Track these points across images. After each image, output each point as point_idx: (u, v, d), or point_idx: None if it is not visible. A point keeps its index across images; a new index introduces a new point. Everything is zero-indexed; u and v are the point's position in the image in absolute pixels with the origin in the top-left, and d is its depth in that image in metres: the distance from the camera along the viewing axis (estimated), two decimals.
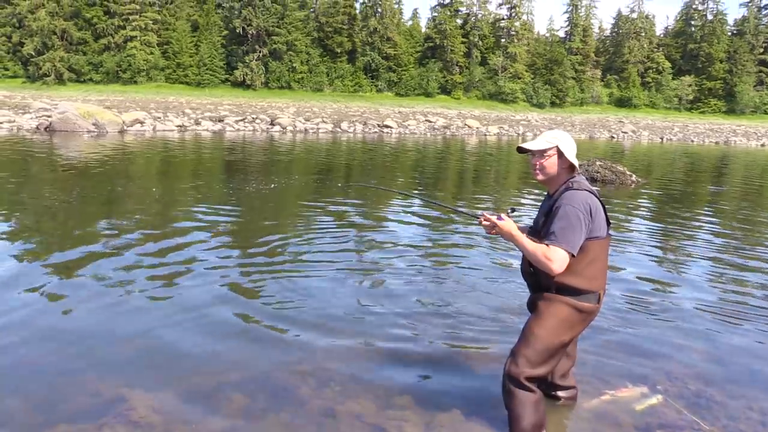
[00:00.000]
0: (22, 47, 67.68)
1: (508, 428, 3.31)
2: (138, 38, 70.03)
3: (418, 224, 9.63)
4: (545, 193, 3.46)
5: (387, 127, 37.09)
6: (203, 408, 3.61)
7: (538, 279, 3.28)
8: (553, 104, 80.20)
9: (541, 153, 3.26)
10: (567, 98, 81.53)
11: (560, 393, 3.71)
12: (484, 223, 3.25)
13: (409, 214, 10.37)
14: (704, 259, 8.11)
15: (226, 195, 11.46)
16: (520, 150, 3.35)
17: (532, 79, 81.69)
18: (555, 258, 3.03)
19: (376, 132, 35.25)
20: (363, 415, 3.59)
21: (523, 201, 12.57)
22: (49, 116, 27.16)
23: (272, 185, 12.84)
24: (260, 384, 3.92)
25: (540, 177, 3.31)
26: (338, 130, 35.10)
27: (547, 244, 3.07)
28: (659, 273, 7.22)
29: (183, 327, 4.81)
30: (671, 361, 4.53)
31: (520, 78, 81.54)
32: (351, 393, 3.83)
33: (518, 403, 3.23)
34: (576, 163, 3.26)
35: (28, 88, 63.70)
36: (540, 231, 3.24)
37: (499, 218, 3.19)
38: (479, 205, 11.09)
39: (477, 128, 43.46)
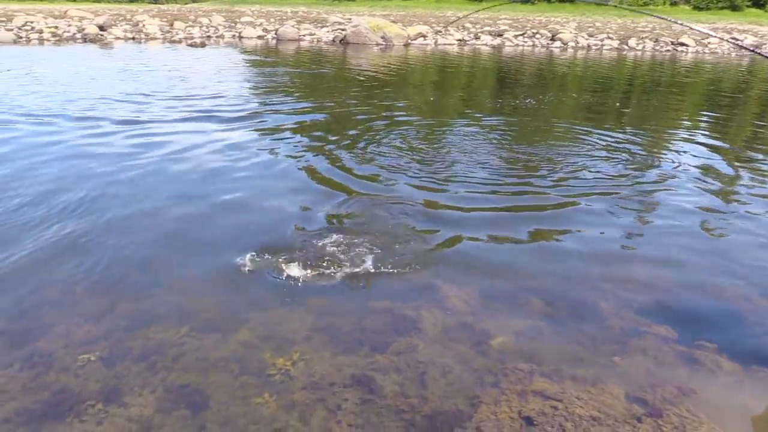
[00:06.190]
0: None
1: None
2: None
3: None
4: None
5: (682, 45, 33.01)
6: (505, 308, 3.82)
7: None
8: None
9: None
10: None
11: None
12: None
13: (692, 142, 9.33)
14: None
15: (497, 107, 11.47)
16: None
17: None
18: None
19: (668, 50, 31.68)
20: (669, 340, 3.48)
21: None
22: (343, 29, 29.55)
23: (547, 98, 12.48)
24: (559, 293, 4.00)
25: None
26: (625, 47, 32.26)
27: None
28: None
29: None
30: None
31: None
32: (656, 318, 3.72)
33: None
34: None
35: (322, 4, 69.91)
36: None
37: None
38: None
39: None
